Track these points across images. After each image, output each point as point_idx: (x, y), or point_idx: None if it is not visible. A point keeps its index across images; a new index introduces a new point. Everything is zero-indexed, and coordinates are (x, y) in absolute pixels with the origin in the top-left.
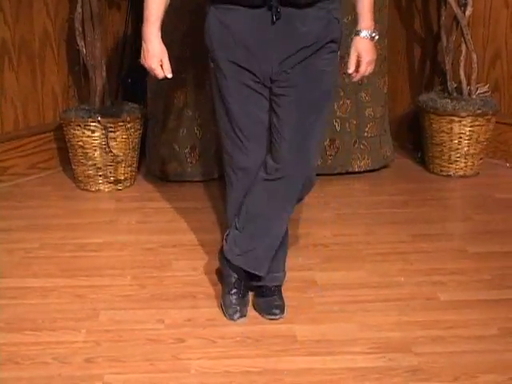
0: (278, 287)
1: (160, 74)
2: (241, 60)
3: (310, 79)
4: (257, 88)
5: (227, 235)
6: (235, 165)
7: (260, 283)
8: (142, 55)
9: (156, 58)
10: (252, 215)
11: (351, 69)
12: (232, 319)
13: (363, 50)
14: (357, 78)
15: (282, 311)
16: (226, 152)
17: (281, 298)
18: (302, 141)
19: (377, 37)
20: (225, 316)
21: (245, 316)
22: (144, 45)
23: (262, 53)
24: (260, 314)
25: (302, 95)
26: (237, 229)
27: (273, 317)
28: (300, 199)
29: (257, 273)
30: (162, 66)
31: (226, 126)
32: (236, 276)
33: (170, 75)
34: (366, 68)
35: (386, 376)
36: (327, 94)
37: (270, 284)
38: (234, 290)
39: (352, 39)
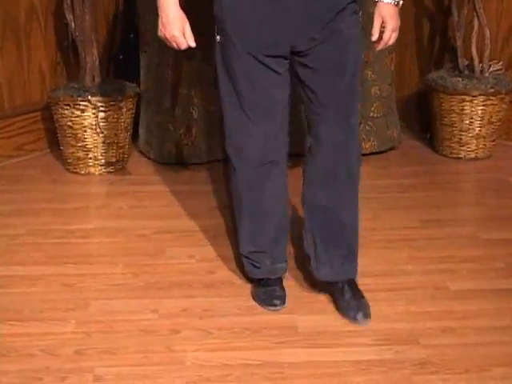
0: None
1: (183, 43)
2: (255, 31)
3: (335, 46)
4: (271, 62)
5: None
6: (240, 149)
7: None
8: (159, 27)
9: (177, 24)
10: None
11: (375, 36)
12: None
13: (387, 16)
14: (380, 46)
15: (284, 302)
16: (230, 135)
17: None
18: (342, 109)
19: (401, 2)
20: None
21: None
22: (161, 14)
23: (280, 22)
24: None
25: (331, 64)
26: None
27: (273, 308)
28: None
29: None
30: (183, 34)
31: (232, 104)
32: None
33: (193, 44)
34: (390, 35)
35: (393, 369)
36: (357, 58)
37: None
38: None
39: (376, 5)
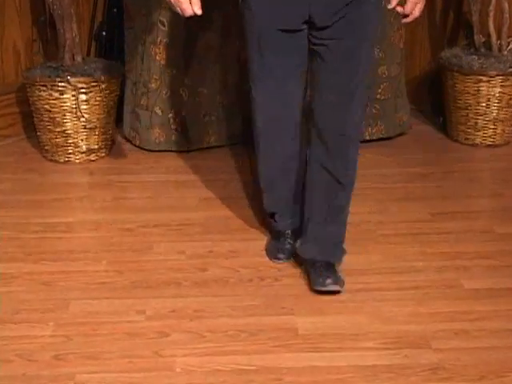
0: None
1: (188, 9)
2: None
3: (354, 28)
4: (291, 33)
5: None
6: (265, 112)
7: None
8: None
9: None
10: None
11: (393, 3)
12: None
13: None
14: (406, 20)
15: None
16: (255, 100)
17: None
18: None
19: None
20: None
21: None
22: None
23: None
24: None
25: (347, 48)
26: None
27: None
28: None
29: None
30: (189, 0)
31: (256, 69)
32: None
33: (199, 11)
34: (414, 6)
35: (402, 375)
36: (371, 45)
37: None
38: None
39: None
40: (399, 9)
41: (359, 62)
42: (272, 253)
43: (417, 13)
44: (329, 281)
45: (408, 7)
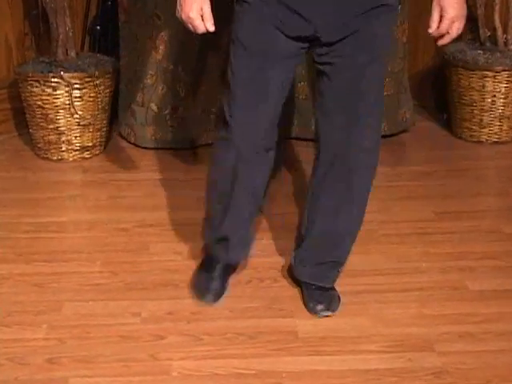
0: None
1: (200, 26)
2: (277, 15)
3: (363, 47)
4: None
5: None
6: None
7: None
8: (177, 7)
9: (196, 4)
10: None
11: (433, 27)
12: None
13: (447, 3)
14: (442, 42)
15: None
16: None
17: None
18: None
19: None
20: None
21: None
22: None
23: (304, 7)
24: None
25: (355, 68)
26: None
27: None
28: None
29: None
30: (202, 16)
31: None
32: None
33: (212, 28)
34: (450, 25)
35: (405, 379)
36: (383, 65)
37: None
38: None
39: None
40: (431, 30)
41: (370, 81)
42: (199, 290)
43: (454, 33)
44: (320, 307)
45: (443, 26)
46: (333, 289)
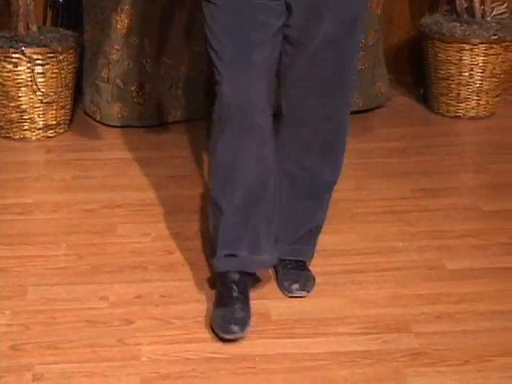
0: None
1: None
2: None
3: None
4: None
5: None
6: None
7: None
8: None
9: None
10: None
11: None
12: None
13: None
14: None
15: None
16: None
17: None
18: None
19: None
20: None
21: None
22: None
23: None
24: None
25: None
26: None
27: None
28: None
29: None
30: None
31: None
32: None
33: None
34: None
35: (381, 361)
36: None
37: None
38: None
39: None
40: None
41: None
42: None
43: None
44: (295, 286)
45: None
46: (308, 269)
